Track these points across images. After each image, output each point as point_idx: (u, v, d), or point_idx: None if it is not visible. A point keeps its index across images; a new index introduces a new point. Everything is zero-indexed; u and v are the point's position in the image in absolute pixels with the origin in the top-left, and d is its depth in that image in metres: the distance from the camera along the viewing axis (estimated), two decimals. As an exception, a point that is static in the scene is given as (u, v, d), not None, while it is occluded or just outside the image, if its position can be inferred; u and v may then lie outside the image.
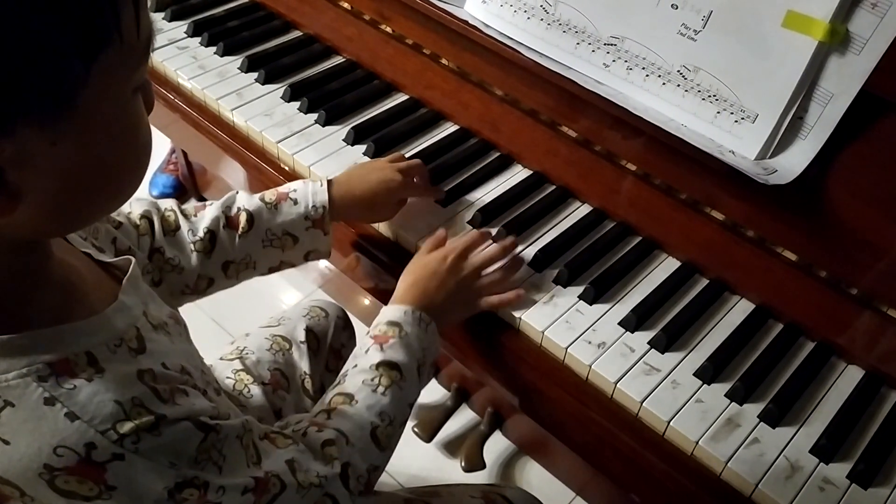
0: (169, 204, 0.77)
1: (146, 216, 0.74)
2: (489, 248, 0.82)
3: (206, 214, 0.77)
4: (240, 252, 0.77)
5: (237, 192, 0.80)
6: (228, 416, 0.53)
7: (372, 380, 0.68)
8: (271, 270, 0.82)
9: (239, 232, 0.77)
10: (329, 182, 0.81)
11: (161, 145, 1.72)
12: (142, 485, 0.46)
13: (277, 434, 0.61)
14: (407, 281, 0.78)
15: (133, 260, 0.56)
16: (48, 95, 0.38)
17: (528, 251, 0.87)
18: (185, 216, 0.76)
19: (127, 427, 0.44)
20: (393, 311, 0.74)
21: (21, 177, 0.40)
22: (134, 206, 0.74)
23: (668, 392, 0.75)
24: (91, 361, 0.45)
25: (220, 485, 0.50)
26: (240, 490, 0.52)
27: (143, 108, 0.46)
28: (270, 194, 0.80)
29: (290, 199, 0.79)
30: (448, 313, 0.78)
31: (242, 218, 0.77)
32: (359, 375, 0.69)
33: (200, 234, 0.75)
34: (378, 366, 0.69)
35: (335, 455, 0.62)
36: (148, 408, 0.46)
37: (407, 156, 0.97)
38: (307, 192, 0.80)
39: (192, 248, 0.75)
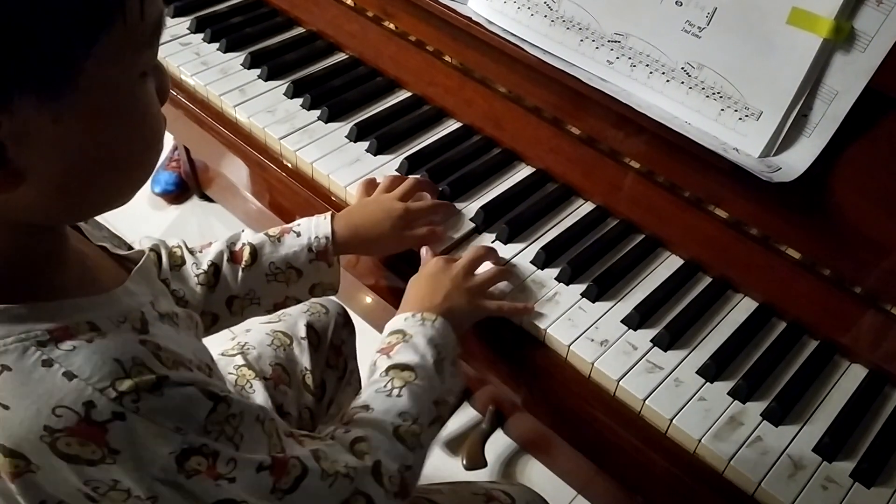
0: (176, 241, 0.78)
1: (154, 249, 0.75)
2: (488, 270, 0.82)
3: (211, 250, 0.78)
4: (243, 287, 0.78)
5: (243, 231, 0.81)
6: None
7: (384, 385, 0.67)
8: (276, 307, 0.82)
9: (242, 265, 0.77)
10: (332, 215, 0.82)
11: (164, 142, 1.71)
12: (146, 449, 0.45)
13: (304, 437, 0.59)
14: (406, 295, 0.79)
15: (146, 252, 0.56)
16: (46, 69, 0.38)
17: (531, 249, 0.87)
18: (191, 252, 0.77)
19: (126, 385, 0.43)
20: (393, 322, 0.74)
21: (22, 154, 0.40)
22: (143, 243, 0.75)
23: (670, 390, 0.74)
24: (93, 328, 0.45)
25: (230, 457, 0.49)
26: (254, 466, 0.50)
27: (153, 94, 0.46)
28: (274, 229, 0.81)
29: (294, 231, 0.80)
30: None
31: (246, 252, 0.78)
32: (371, 387, 0.68)
33: (204, 267, 0.76)
34: (388, 370, 0.68)
35: (366, 450, 0.61)
36: (149, 367, 0.45)
37: (410, 153, 0.98)
38: (310, 225, 0.81)
39: (197, 282, 0.76)
